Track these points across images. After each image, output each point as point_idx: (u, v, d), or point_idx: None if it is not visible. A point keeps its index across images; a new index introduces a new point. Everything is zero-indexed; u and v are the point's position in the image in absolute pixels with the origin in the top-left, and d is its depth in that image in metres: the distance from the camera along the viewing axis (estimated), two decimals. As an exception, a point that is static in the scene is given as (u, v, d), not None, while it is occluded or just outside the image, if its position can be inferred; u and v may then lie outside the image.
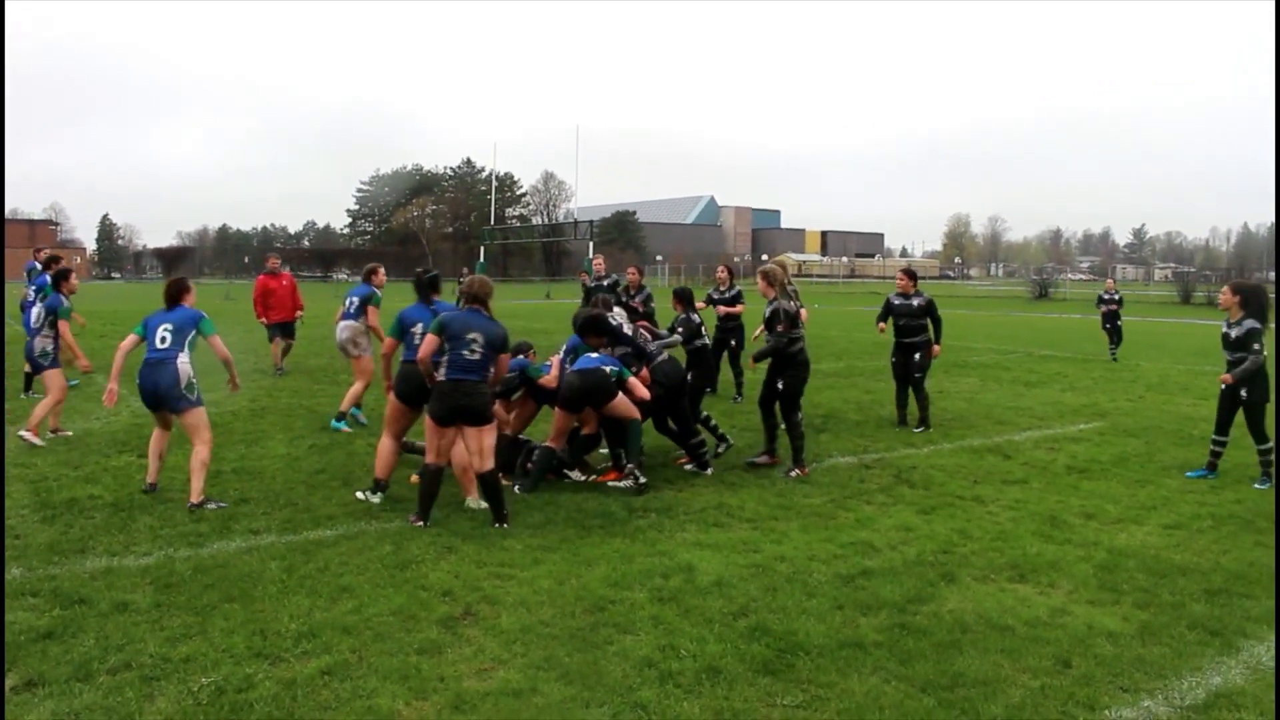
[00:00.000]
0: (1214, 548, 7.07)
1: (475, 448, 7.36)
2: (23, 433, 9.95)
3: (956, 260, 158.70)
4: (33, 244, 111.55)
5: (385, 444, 8.17)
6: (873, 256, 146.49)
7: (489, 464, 7.34)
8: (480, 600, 5.77)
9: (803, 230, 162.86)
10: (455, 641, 5.18)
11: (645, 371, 8.97)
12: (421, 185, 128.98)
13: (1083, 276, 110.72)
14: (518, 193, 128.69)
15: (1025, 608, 5.79)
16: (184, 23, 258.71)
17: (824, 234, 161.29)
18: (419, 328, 8.19)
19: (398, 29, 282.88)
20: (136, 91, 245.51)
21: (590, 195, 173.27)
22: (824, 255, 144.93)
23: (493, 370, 7.48)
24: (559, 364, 9.04)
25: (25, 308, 13.10)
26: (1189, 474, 9.33)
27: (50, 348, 10.64)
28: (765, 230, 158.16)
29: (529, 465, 8.70)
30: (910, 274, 12.25)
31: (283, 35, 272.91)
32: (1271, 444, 9.11)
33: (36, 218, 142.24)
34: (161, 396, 7.96)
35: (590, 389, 8.51)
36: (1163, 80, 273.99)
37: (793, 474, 9.17)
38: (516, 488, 8.44)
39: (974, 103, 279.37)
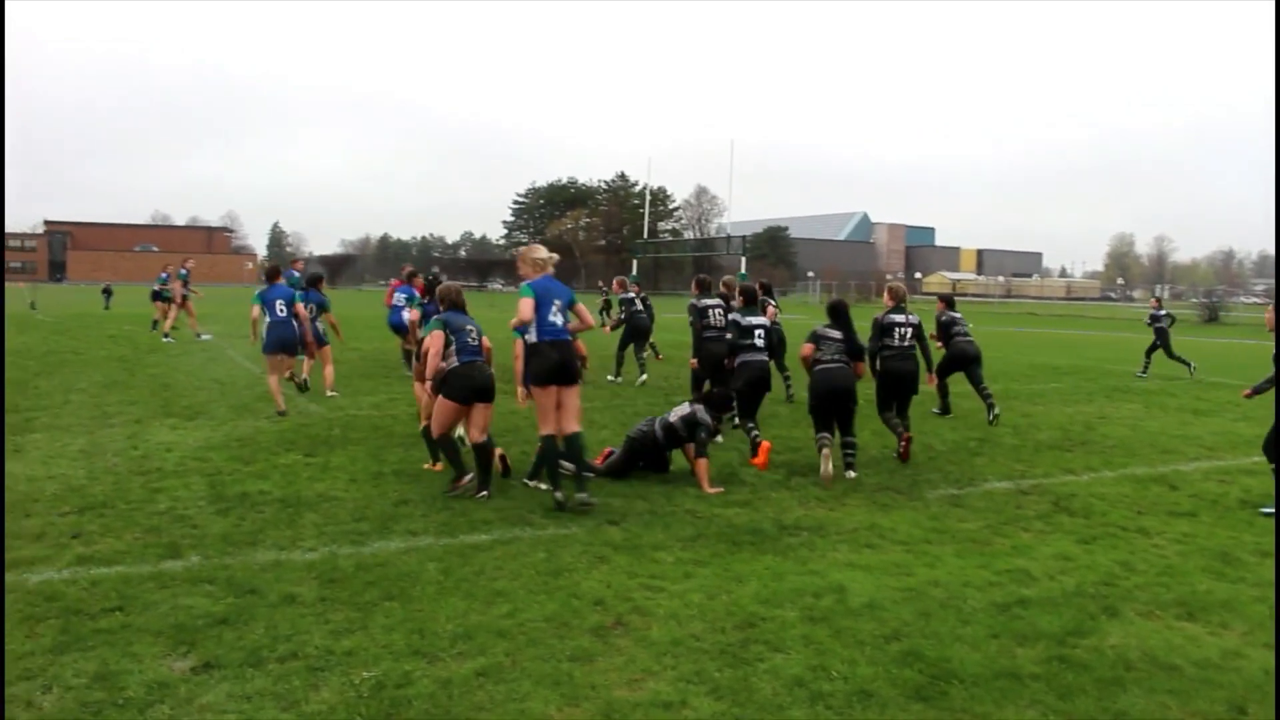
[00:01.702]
0: (1406, 594, 6.63)
1: (479, 422, 8.58)
2: (329, 391, 14.52)
3: (1119, 281, 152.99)
4: (210, 249, 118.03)
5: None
6: (1030, 276, 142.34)
7: (485, 436, 8.54)
8: (631, 611, 5.82)
9: (958, 248, 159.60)
10: (606, 650, 5.23)
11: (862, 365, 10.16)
12: (575, 198, 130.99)
13: (1258, 300, 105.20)
14: (670, 206, 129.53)
15: (1194, 648, 5.53)
16: (345, 48, 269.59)
17: (979, 252, 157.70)
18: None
19: (555, 45, 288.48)
20: (302, 110, 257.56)
21: (743, 210, 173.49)
22: (979, 274, 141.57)
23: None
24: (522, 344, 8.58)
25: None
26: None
27: (322, 329, 14.71)
28: (919, 248, 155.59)
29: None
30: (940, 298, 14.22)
31: (444, 58, 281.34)
32: None
33: (214, 225, 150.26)
34: (289, 345, 12.76)
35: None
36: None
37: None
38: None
39: (1138, 109, 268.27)
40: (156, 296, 28.49)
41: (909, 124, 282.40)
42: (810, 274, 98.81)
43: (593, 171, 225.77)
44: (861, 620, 5.77)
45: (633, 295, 18.45)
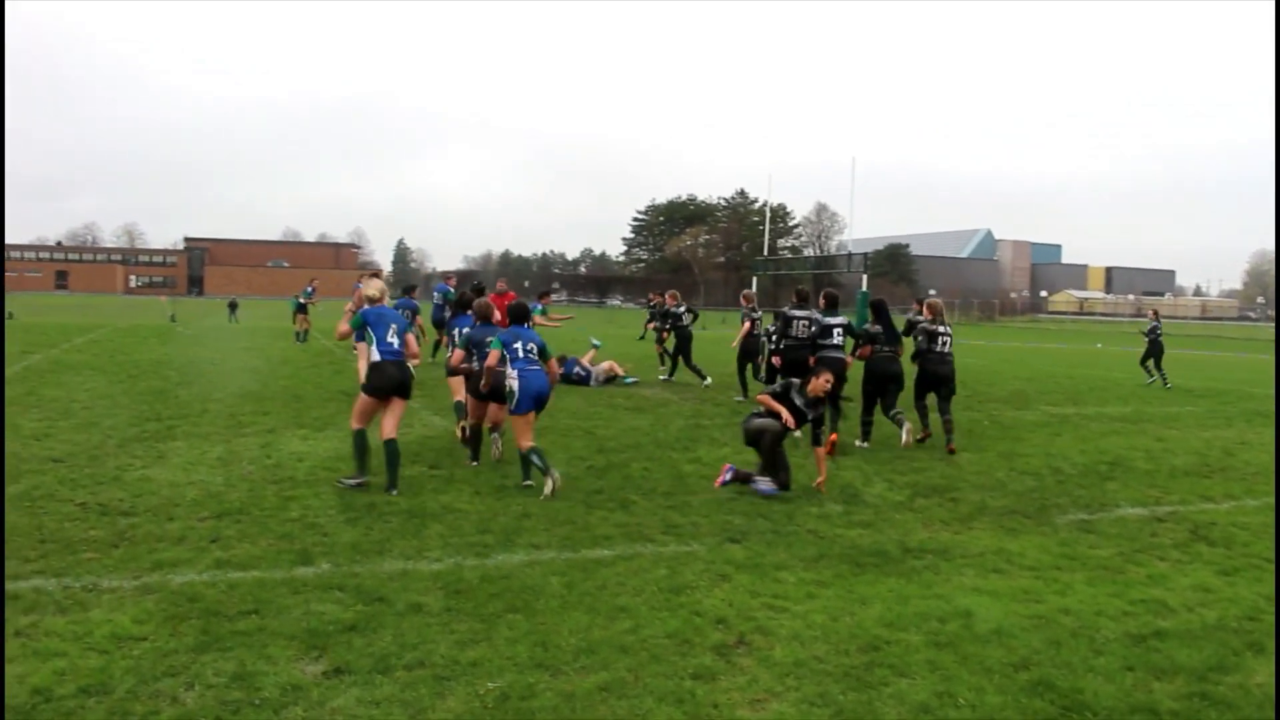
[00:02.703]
0: None
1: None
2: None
3: (1259, 300, 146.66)
4: (338, 265, 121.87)
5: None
6: (1162, 295, 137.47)
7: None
8: (754, 630, 5.78)
9: (1085, 266, 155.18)
10: (729, 669, 5.21)
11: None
12: (695, 215, 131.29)
13: None
14: (790, 224, 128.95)
15: (1351, 689, 5.25)
16: (472, 75, 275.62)
17: (1108, 270, 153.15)
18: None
19: (675, 64, 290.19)
20: (429, 134, 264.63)
21: (864, 227, 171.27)
22: (1108, 293, 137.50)
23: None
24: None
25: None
26: None
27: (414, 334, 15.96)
28: (1044, 266, 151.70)
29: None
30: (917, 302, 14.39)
31: (567, 80, 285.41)
32: None
33: (341, 242, 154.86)
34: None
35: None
36: None
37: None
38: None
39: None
40: (301, 309, 29.90)
41: (1035, 139, 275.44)
42: (932, 292, 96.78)
43: (712, 188, 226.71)
44: (989, 647, 5.64)
45: (682, 309, 20.47)
